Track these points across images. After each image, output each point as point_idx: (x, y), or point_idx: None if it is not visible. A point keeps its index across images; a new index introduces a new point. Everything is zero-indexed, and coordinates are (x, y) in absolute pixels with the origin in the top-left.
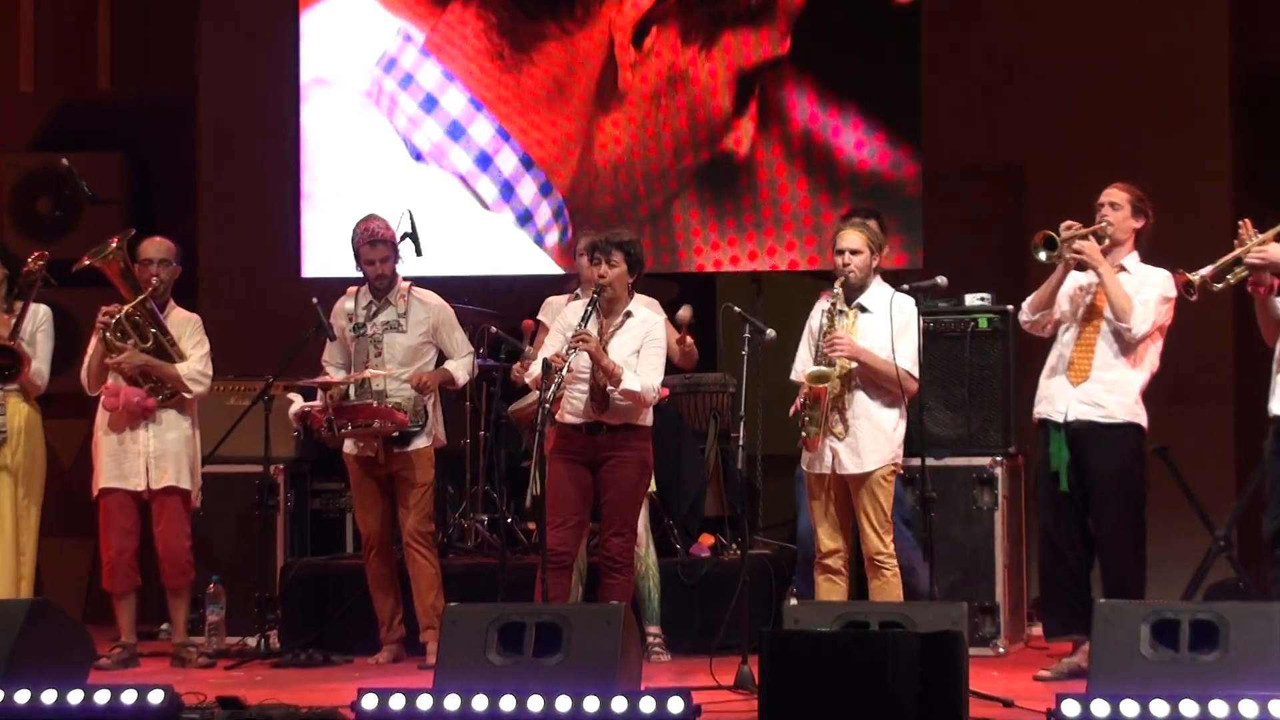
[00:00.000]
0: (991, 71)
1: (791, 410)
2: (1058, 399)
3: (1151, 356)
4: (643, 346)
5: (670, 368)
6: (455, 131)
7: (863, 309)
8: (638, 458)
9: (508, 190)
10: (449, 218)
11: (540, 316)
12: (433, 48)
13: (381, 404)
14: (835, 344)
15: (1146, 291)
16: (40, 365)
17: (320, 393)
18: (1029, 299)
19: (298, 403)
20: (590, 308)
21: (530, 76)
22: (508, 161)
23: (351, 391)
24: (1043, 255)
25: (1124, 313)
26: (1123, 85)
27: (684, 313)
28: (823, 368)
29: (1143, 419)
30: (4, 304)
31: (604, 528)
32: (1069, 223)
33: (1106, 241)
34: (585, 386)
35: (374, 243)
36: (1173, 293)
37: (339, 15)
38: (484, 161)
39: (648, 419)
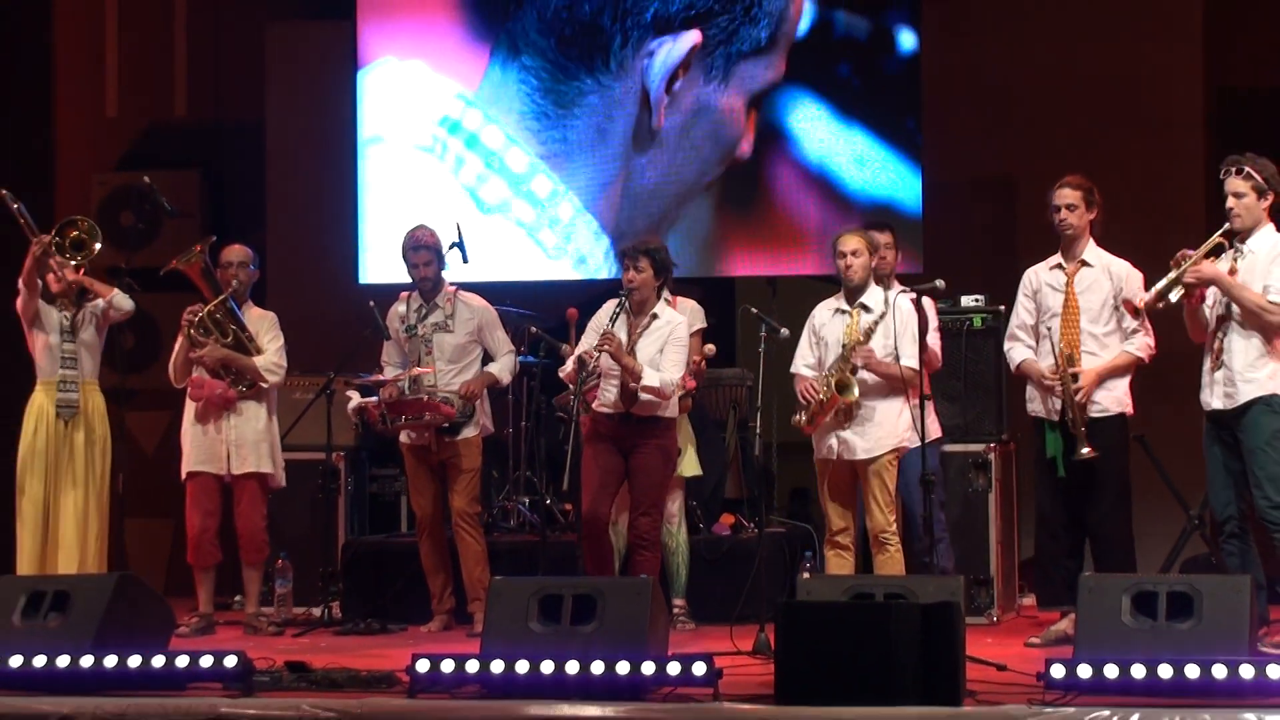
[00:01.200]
0: (986, 94)
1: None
2: (1047, 398)
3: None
4: (665, 345)
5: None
6: (517, 185)
7: (865, 308)
8: (662, 445)
9: (565, 237)
10: (514, 267)
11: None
12: (485, 108)
13: (431, 398)
14: (867, 356)
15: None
16: (122, 299)
17: (378, 389)
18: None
19: (355, 399)
20: (619, 310)
21: (574, 129)
22: (565, 211)
23: (406, 387)
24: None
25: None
26: (1104, 105)
27: (708, 349)
28: (847, 376)
29: (1128, 406)
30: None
31: (634, 509)
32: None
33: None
34: (617, 381)
35: (417, 248)
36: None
37: (391, 73)
38: (543, 211)
39: (672, 410)
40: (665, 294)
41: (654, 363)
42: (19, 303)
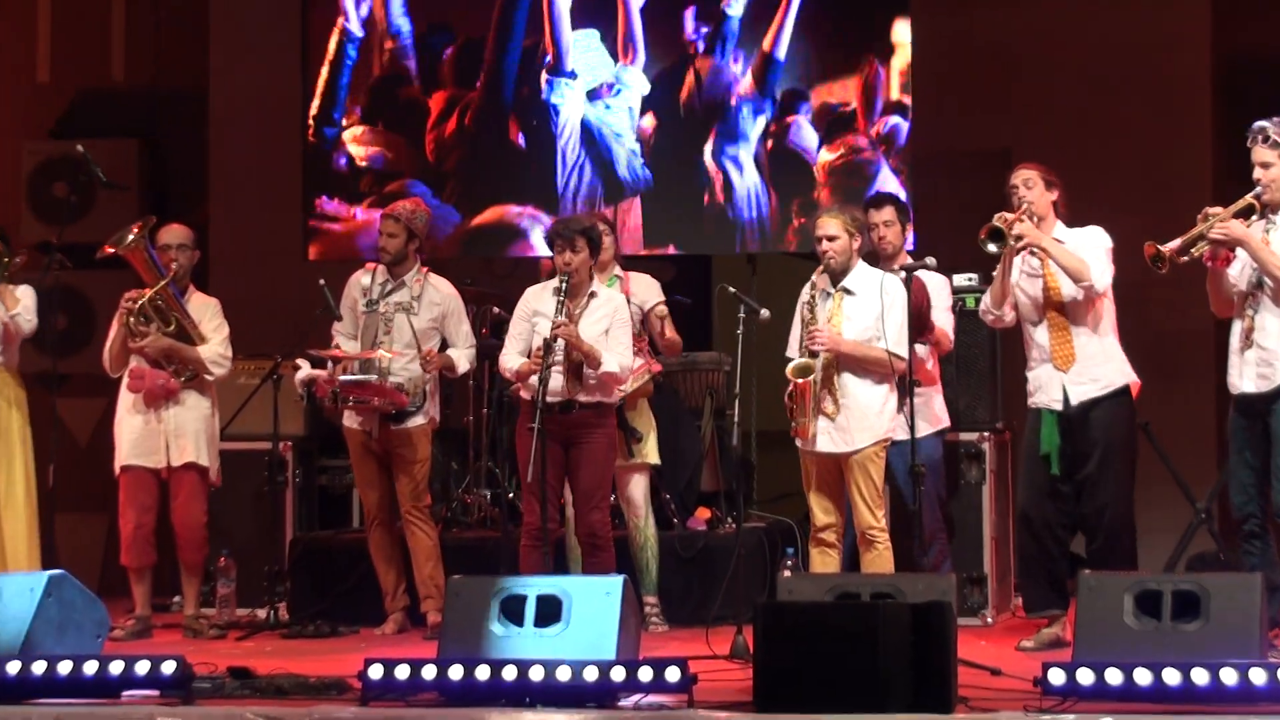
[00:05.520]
0: (979, 58)
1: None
2: (1051, 388)
3: (1111, 312)
4: (610, 327)
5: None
6: None
7: (847, 292)
8: (607, 434)
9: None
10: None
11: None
12: None
13: (384, 382)
14: (815, 336)
15: (1091, 250)
16: (24, 320)
17: (330, 363)
18: (986, 295)
19: (305, 369)
20: (560, 296)
21: None
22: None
23: (357, 367)
24: (992, 247)
25: (1081, 272)
26: (1106, 71)
27: (660, 309)
28: (806, 360)
29: (1134, 376)
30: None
31: (581, 505)
32: (1000, 215)
33: (1035, 219)
34: (560, 367)
35: (387, 217)
36: (1110, 243)
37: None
38: None
39: (616, 397)
40: (618, 270)
41: (600, 345)
42: None
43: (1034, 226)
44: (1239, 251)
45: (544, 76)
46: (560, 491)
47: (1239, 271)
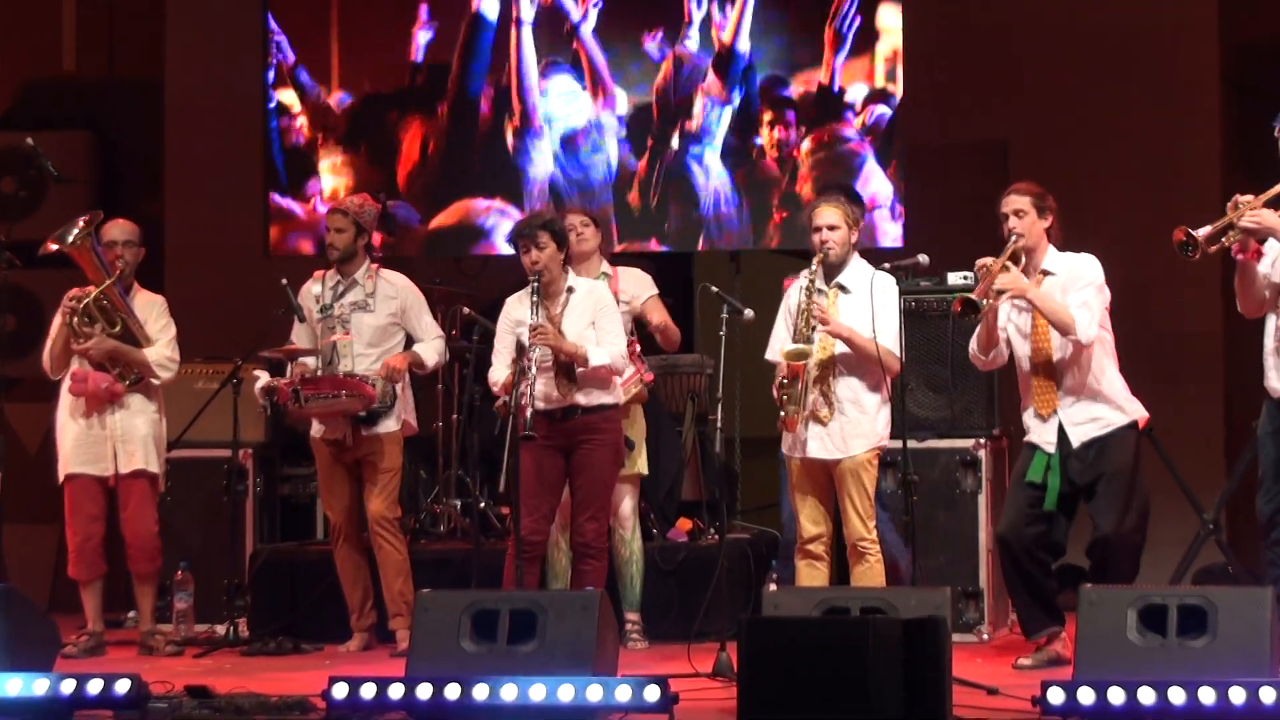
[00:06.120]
0: (973, 44)
1: (774, 389)
2: (1043, 431)
3: (1107, 343)
4: (597, 317)
5: (651, 348)
6: None
7: (842, 288)
8: (611, 439)
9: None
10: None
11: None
12: None
13: (351, 376)
14: (823, 316)
15: (1081, 291)
16: None
17: (289, 366)
18: (973, 341)
19: (264, 378)
20: (534, 298)
21: None
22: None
23: (317, 363)
24: (973, 316)
25: (1066, 325)
26: (1110, 60)
27: (652, 301)
28: (801, 345)
29: (1139, 411)
30: None
31: (578, 513)
32: (981, 261)
33: (1022, 257)
34: (550, 374)
35: (332, 212)
36: (1102, 276)
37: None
38: None
39: (619, 395)
40: (605, 267)
41: (589, 340)
42: None
43: (1017, 277)
44: (1270, 244)
45: (509, 137)
46: (556, 502)
47: (1271, 265)
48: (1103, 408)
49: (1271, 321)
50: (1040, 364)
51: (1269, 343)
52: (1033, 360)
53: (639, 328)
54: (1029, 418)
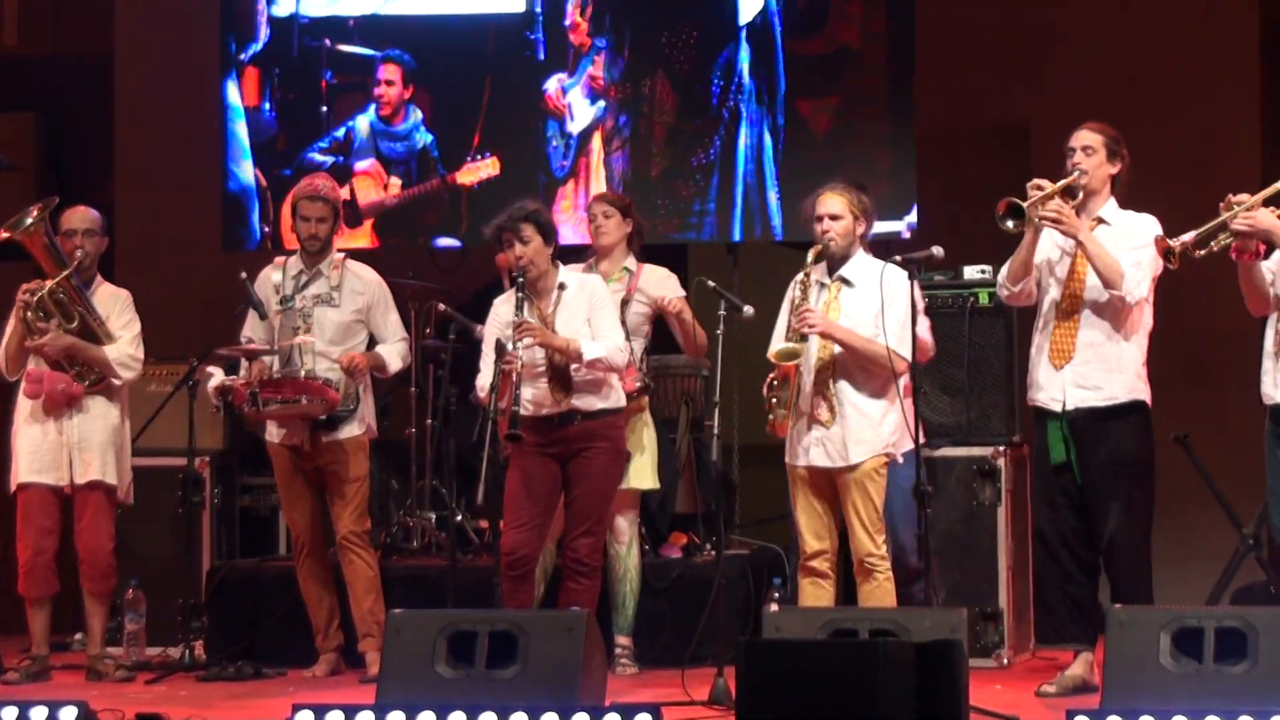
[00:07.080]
0: (993, 21)
1: (764, 390)
2: (1049, 385)
3: (1146, 319)
4: (592, 311)
5: (653, 349)
6: None
7: (845, 282)
8: (612, 446)
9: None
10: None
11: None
12: None
13: (312, 378)
14: (805, 317)
15: (1138, 251)
16: None
17: (244, 364)
18: (1005, 267)
19: (218, 376)
20: (520, 294)
21: None
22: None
23: (276, 364)
24: (1009, 224)
25: (1113, 280)
26: (1143, 37)
27: (676, 302)
28: (792, 344)
29: (1146, 395)
30: None
31: (573, 527)
32: (1036, 181)
33: (1080, 195)
34: (543, 376)
35: (313, 198)
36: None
37: None
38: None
39: (621, 398)
40: (629, 262)
41: (585, 337)
42: None
43: (1070, 211)
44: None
45: None
46: (548, 514)
47: (1276, 265)
48: (1113, 377)
49: (1271, 325)
50: (1067, 310)
51: (1268, 346)
52: (1060, 306)
53: (658, 331)
54: (1039, 371)
